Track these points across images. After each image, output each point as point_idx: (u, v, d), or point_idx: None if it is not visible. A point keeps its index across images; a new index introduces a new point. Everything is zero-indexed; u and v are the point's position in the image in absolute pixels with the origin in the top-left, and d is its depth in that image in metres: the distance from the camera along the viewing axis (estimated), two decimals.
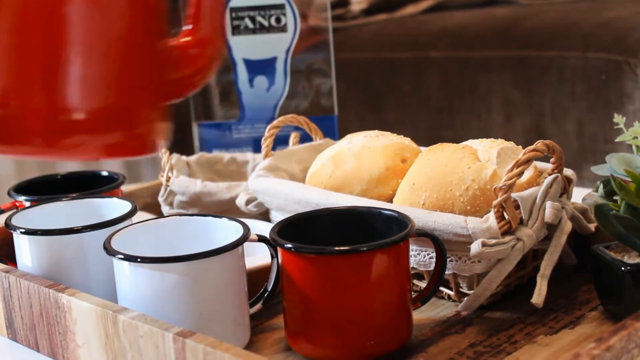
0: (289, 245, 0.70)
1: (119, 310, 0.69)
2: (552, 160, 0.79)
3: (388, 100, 1.91)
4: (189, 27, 0.68)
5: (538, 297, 0.74)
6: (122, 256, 0.71)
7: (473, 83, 1.77)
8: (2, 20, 0.59)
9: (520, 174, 0.74)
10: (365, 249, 0.69)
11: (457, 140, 0.86)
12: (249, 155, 1.12)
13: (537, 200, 0.77)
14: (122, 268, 0.71)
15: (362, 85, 1.92)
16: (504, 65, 1.73)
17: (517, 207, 0.76)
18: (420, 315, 0.78)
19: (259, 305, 0.77)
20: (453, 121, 1.81)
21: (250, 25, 1.20)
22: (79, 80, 0.60)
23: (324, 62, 1.23)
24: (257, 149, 1.23)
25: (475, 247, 0.73)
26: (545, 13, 1.85)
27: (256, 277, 0.80)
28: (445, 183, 0.79)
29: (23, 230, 0.79)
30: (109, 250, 0.72)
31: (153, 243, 0.76)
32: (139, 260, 0.70)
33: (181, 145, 1.14)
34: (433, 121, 1.85)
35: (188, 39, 0.68)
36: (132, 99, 0.63)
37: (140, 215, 0.92)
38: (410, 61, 1.88)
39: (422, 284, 0.81)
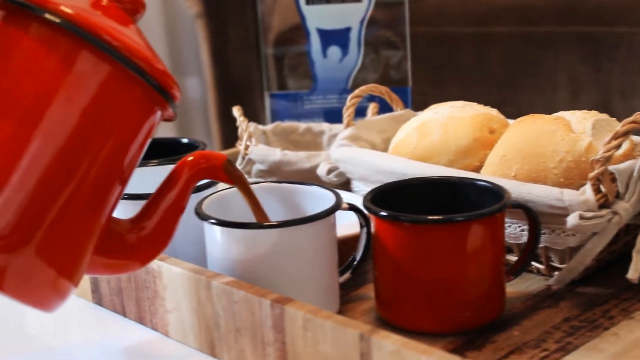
0: (385, 214, 0.69)
1: (212, 275, 0.68)
2: None
3: (449, 75, 1.89)
4: (136, 221, 0.65)
5: (634, 272, 0.73)
6: (214, 221, 0.70)
7: (538, 59, 1.75)
8: None
9: (619, 146, 0.73)
10: (462, 219, 0.68)
11: (521, 115, 0.85)
12: (324, 126, 1.11)
13: (635, 174, 0.75)
14: (214, 233, 0.71)
15: (422, 59, 1.90)
16: (570, 41, 1.71)
17: (614, 180, 0.74)
18: (510, 288, 0.77)
19: (347, 274, 0.77)
20: (516, 97, 1.79)
21: None
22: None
23: (396, 34, 1.22)
24: (328, 119, 1.22)
25: (572, 219, 0.72)
26: None
27: (342, 246, 0.79)
28: (537, 155, 0.77)
29: None
30: (201, 215, 0.71)
31: (242, 209, 0.75)
32: (232, 225, 0.69)
33: (253, 114, 1.13)
34: (495, 97, 1.83)
35: (128, 219, 0.65)
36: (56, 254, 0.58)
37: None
38: (473, 36, 1.86)
39: (510, 257, 0.80)
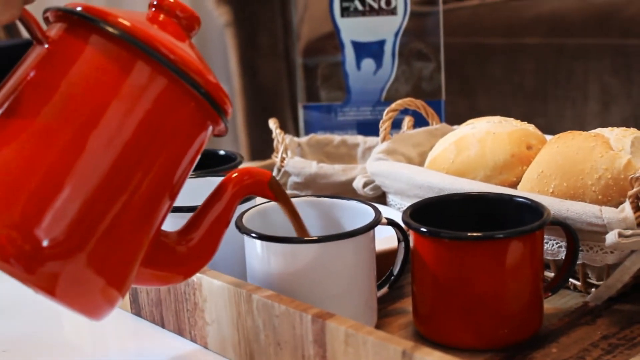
0: (424, 229, 0.69)
1: (253, 289, 0.69)
2: None
3: (479, 86, 1.89)
4: (183, 234, 0.66)
5: None
6: (255, 235, 0.71)
7: (569, 70, 1.75)
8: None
9: None
10: (501, 236, 0.68)
11: (550, 127, 0.85)
12: (359, 138, 1.11)
13: None
14: (254, 247, 0.71)
15: (453, 70, 1.91)
16: (602, 53, 1.70)
17: None
18: (547, 305, 0.77)
19: (385, 289, 0.77)
20: (546, 109, 1.79)
21: (360, 7, 1.19)
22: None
23: (428, 45, 1.22)
24: (361, 131, 1.23)
25: (611, 237, 0.72)
26: None
27: (379, 260, 0.79)
28: (576, 172, 0.78)
29: None
30: (242, 229, 0.72)
31: (282, 223, 0.76)
32: (273, 239, 0.70)
33: (281, 124, 1.13)
34: (525, 108, 1.83)
35: (175, 232, 0.66)
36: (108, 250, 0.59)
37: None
38: (504, 47, 1.86)
39: (548, 273, 0.80)
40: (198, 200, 0.80)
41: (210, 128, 0.63)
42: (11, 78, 0.59)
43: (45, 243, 0.55)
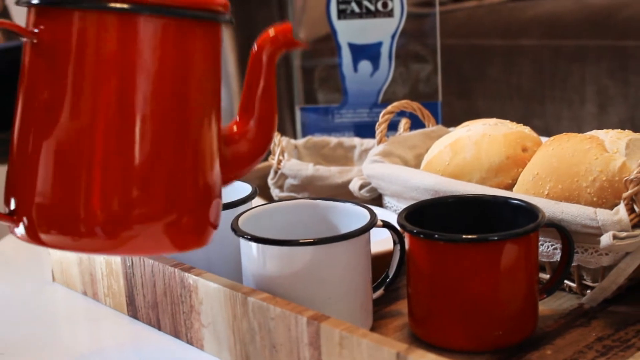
0: (419, 232, 0.70)
1: (249, 291, 0.69)
2: None
3: (477, 88, 1.89)
4: (238, 118, 0.69)
5: None
6: (251, 237, 0.71)
7: (566, 72, 1.75)
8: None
9: None
10: (496, 238, 0.68)
11: (548, 129, 0.85)
12: (356, 140, 1.11)
13: None
14: (250, 249, 0.72)
15: (450, 72, 1.91)
16: (599, 55, 1.70)
17: None
18: (542, 306, 0.77)
19: (380, 291, 0.77)
20: (544, 110, 1.79)
21: (357, 9, 1.19)
22: (140, 168, 0.60)
23: (426, 47, 1.22)
24: (358, 133, 1.23)
25: (606, 239, 0.72)
26: None
27: (375, 262, 0.80)
28: (571, 174, 0.78)
29: None
30: (238, 232, 0.72)
31: (278, 225, 0.76)
32: (268, 242, 0.70)
33: (280, 126, 1.14)
34: (523, 110, 1.83)
35: (235, 129, 0.68)
36: (192, 186, 0.63)
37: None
38: (501, 49, 1.86)
39: (543, 275, 0.80)
40: None
41: (220, 30, 0.65)
42: (25, 82, 0.61)
43: (127, 207, 0.60)
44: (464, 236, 0.68)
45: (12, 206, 0.62)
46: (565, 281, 0.80)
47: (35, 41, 0.60)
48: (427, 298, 0.71)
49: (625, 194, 0.73)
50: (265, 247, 0.70)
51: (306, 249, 0.69)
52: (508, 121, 0.90)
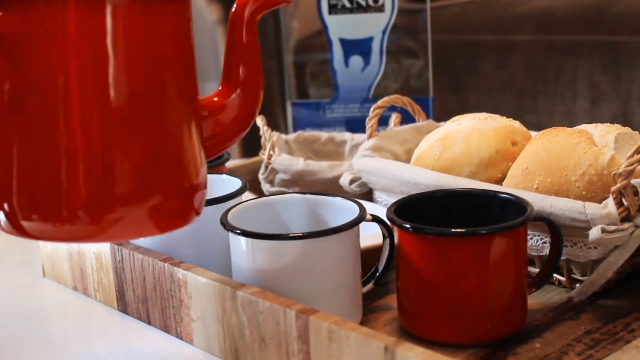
0: (408, 226, 0.70)
1: (238, 286, 0.69)
2: None
3: (469, 83, 1.89)
4: (220, 87, 0.66)
5: None
6: (240, 232, 0.71)
7: (558, 67, 1.75)
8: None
9: None
10: (485, 231, 0.68)
11: (541, 124, 0.85)
12: (346, 135, 1.12)
13: None
14: (239, 243, 0.72)
15: (443, 67, 1.91)
16: (591, 50, 1.71)
17: (636, 193, 0.75)
18: (532, 300, 0.77)
19: (370, 285, 0.77)
20: (536, 106, 1.79)
21: (348, 4, 1.19)
22: (121, 149, 0.59)
23: (417, 42, 1.23)
24: (349, 128, 1.23)
25: (594, 233, 0.72)
26: None
27: (364, 257, 0.80)
28: (560, 168, 0.78)
29: None
30: (227, 226, 0.72)
31: (267, 220, 0.76)
32: (257, 236, 0.70)
33: (272, 121, 1.14)
34: (515, 105, 1.83)
35: (216, 98, 0.66)
36: (173, 164, 0.61)
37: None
38: (494, 44, 1.86)
39: (532, 269, 0.81)
40: None
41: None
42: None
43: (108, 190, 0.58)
44: (452, 230, 0.69)
45: None
46: (555, 275, 0.80)
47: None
48: (416, 292, 0.71)
49: (613, 188, 0.73)
50: (255, 241, 0.71)
51: (295, 243, 0.69)
52: (498, 115, 0.90)
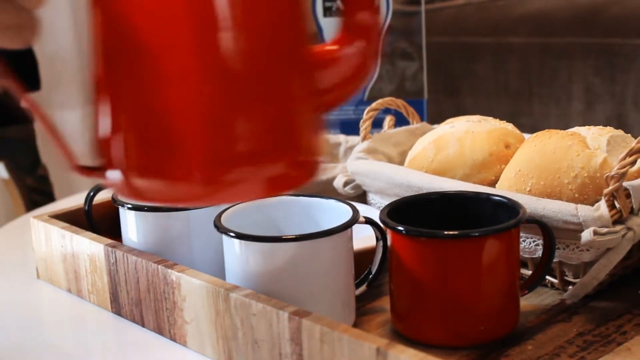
0: (401, 228, 0.70)
1: (231, 288, 0.69)
2: None
3: (465, 85, 1.90)
4: (340, 32, 0.61)
5: None
6: (233, 234, 0.71)
7: (554, 70, 1.76)
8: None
9: (633, 162, 0.73)
10: (477, 234, 0.69)
11: (536, 126, 0.86)
12: (341, 137, 1.12)
13: None
14: (232, 246, 0.72)
15: (438, 69, 1.91)
16: (586, 53, 1.71)
17: (628, 195, 0.75)
18: (524, 302, 0.77)
19: (363, 287, 0.77)
20: (531, 108, 1.80)
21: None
22: (238, 104, 0.54)
23: (412, 44, 1.23)
24: (344, 131, 1.23)
25: (586, 235, 0.72)
26: (629, 1, 1.82)
27: (358, 259, 0.80)
28: (553, 170, 0.78)
29: (131, 206, 0.80)
30: (220, 228, 0.72)
31: (260, 222, 0.77)
32: (250, 238, 0.70)
33: None
34: (511, 107, 1.83)
35: (335, 47, 0.60)
36: (291, 117, 0.57)
37: None
38: (490, 46, 1.87)
39: (525, 271, 0.81)
40: None
41: None
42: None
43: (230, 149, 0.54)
44: (445, 232, 0.69)
45: (103, 159, 0.57)
46: (548, 277, 0.80)
47: None
48: (409, 294, 0.71)
49: (606, 190, 0.73)
50: (248, 244, 0.71)
51: (288, 245, 0.70)
52: (491, 118, 0.91)
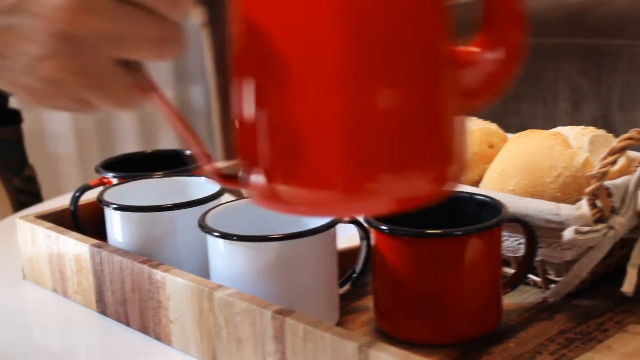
0: (385, 227, 0.70)
1: (215, 287, 0.70)
2: None
3: None
4: (484, 32, 0.59)
5: (629, 285, 0.74)
6: (218, 234, 0.71)
7: (540, 70, 1.76)
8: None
9: (614, 162, 0.74)
10: (460, 233, 0.69)
11: (524, 127, 0.86)
12: None
13: (630, 189, 0.76)
14: (217, 246, 0.72)
15: None
16: (573, 53, 1.72)
17: (610, 195, 0.76)
18: (507, 300, 0.78)
19: (347, 286, 0.78)
20: (519, 108, 1.80)
21: None
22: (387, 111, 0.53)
23: None
24: None
25: (568, 234, 0.73)
26: (616, 1, 1.83)
27: (342, 258, 0.80)
28: (536, 169, 0.79)
29: (116, 206, 0.80)
30: (205, 228, 0.72)
31: (244, 222, 0.77)
32: (235, 238, 0.71)
33: None
34: (498, 108, 1.84)
35: (477, 49, 0.58)
36: (437, 123, 0.55)
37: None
38: None
39: (508, 270, 0.81)
40: (164, 200, 0.81)
41: None
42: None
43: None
44: (428, 231, 0.69)
45: (245, 166, 0.56)
46: (531, 276, 0.81)
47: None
48: (392, 293, 0.72)
49: (587, 189, 0.74)
50: (232, 243, 0.71)
51: (272, 245, 0.70)
52: (475, 118, 0.91)
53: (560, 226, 0.75)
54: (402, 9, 0.53)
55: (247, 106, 0.55)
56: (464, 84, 0.57)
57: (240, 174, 0.56)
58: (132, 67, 0.54)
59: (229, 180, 0.57)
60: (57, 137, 2.42)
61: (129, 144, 2.47)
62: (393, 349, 0.58)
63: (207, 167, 0.57)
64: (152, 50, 0.53)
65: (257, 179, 0.55)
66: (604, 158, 0.74)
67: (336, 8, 0.52)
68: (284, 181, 0.54)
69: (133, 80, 0.54)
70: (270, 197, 0.55)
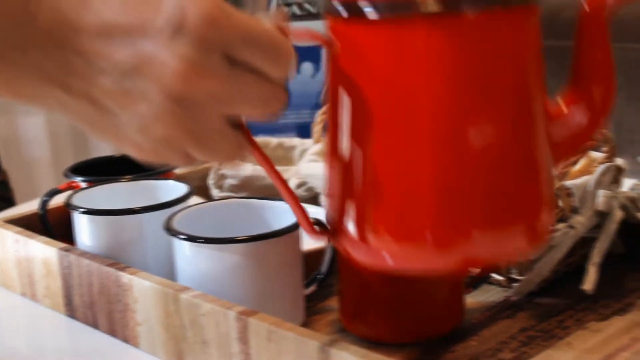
0: None
1: (180, 289, 0.71)
2: (604, 149, 0.80)
3: None
4: (575, 87, 0.61)
5: (589, 283, 0.75)
6: (183, 236, 0.72)
7: None
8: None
9: (575, 162, 0.75)
10: None
11: None
12: (296, 141, 1.13)
13: (590, 188, 0.77)
14: (182, 248, 0.73)
15: None
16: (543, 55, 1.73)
17: (570, 194, 0.77)
18: (470, 299, 0.79)
19: (313, 287, 0.79)
20: None
21: (298, 12, 1.21)
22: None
23: None
24: (301, 134, 1.25)
25: None
26: (582, 4, 1.85)
27: (309, 259, 0.81)
28: None
29: (84, 210, 0.81)
30: (171, 231, 0.73)
31: (211, 224, 0.78)
32: (200, 240, 0.72)
33: None
34: None
35: (567, 104, 0.61)
36: (534, 176, 0.57)
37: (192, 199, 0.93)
38: None
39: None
40: (132, 204, 0.82)
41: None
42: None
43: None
44: None
45: (339, 223, 0.60)
46: (493, 275, 0.82)
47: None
48: (356, 293, 0.73)
49: None
50: (197, 246, 0.72)
51: (237, 247, 0.71)
52: None
53: None
54: (502, 69, 0.56)
55: (341, 159, 0.59)
56: (553, 137, 0.59)
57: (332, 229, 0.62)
58: (236, 125, 0.56)
59: (327, 235, 0.63)
60: (31, 141, 2.42)
61: (103, 149, 2.47)
62: (354, 348, 0.59)
63: (308, 228, 0.63)
64: (258, 109, 0.55)
65: (349, 231, 0.59)
66: None
67: (440, 70, 0.54)
68: (377, 238, 0.57)
69: (238, 138, 0.57)
70: (361, 250, 0.59)
